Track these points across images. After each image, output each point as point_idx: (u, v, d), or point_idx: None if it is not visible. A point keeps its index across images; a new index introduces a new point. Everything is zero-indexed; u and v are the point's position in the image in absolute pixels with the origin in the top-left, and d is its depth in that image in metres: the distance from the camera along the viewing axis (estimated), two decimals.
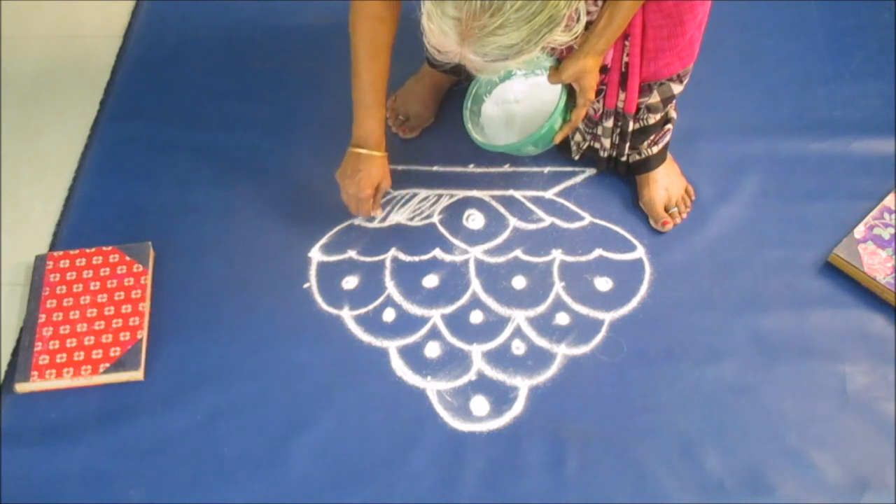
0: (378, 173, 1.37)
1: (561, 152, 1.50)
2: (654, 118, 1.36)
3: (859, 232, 1.39)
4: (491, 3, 0.93)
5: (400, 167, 1.52)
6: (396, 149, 1.54)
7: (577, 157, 1.48)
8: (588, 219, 1.46)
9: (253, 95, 1.62)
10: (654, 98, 1.32)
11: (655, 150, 1.41)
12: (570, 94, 1.25)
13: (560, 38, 1.00)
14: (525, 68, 0.98)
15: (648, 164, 1.43)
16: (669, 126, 1.41)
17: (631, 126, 1.36)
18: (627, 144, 1.40)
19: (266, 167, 1.53)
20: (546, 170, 1.51)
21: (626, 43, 1.25)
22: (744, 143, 1.53)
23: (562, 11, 0.97)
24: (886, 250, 1.37)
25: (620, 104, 1.33)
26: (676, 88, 1.33)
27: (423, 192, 1.50)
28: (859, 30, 1.69)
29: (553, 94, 1.26)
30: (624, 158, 1.44)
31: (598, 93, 1.32)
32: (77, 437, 1.25)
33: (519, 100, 1.38)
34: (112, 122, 1.59)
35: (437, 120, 1.57)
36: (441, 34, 0.98)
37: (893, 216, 1.41)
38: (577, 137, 1.45)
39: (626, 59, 1.27)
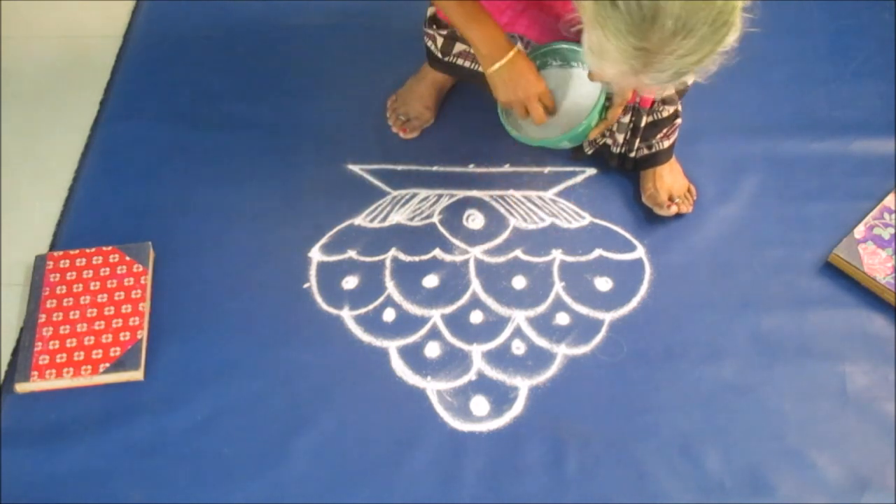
0: (529, 70, 1.26)
1: (573, 151, 1.50)
2: (668, 110, 1.36)
3: (859, 232, 1.40)
4: (684, 25, 0.87)
5: (400, 167, 1.52)
6: (396, 149, 1.54)
7: (589, 153, 1.48)
8: (588, 219, 1.46)
9: (253, 95, 1.62)
10: (670, 90, 1.32)
11: (666, 144, 1.42)
12: (609, 91, 1.25)
13: (731, 39, 0.94)
14: (700, 78, 0.96)
15: (656, 160, 1.43)
16: (678, 121, 1.41)
17: (644, 120, 1.37)
18: (638, 139, 1.40)
19: (266, 167, 1.52)
20: (546, 170, 1.51)
21: None
22: (744, 143, 1.53)
23: (737, 13, 0.92)
24: (886, 250, 1.37)
25: (637, 98, 1.33)
26: (690, 78, 1.32)
27: (423, 192, 1.50)
28: (859, 30, 1.69)
29: (588, 87, 1.26)
30: (633, 154, 1.44)
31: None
32: (77, 437, 1.25)
33: (554, 92, 1.35)
34: (112, 122, 1.59)
35: (438, 120, 1.57)
36: (618, 66, 0.93)
37: (893, 216, 1.41)
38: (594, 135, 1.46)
39: None
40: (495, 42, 1.24)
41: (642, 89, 0.96)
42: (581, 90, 1.31)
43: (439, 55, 1.45)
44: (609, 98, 1.26)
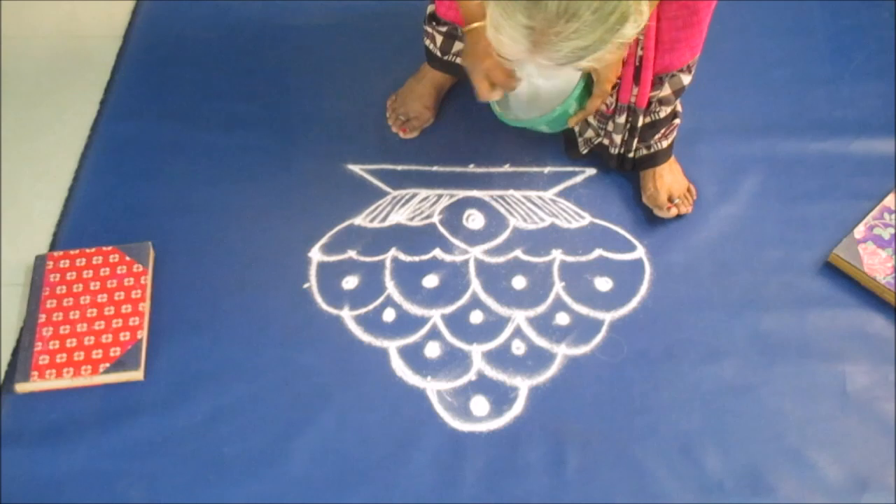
0: None
1: (569, 151, 1.51)
2: (665, 111, 1.36)
3: (859, 232, 1.39)
4: (566, 9, 0.91)
5: (400, 167, 1.52)
6: (396, 149, 1.54)
7: (584, 152, 1.48)
8: (588, 219, 1.46)
9: (253, 95, 1.62)
10: (666, 90, 1.32)
11: (665, 144, 1.42)
12: (590, 82, 1.26)
13: (629, 31, 0.97)
14: (597, 64, 0.98)
15: (655, 160, 1.43)
16: (677, 121, 1.41)
17: (641, 121, 1.37)
18: (636, 140, 1.40)
19: (266, 167, 1.52)
20: (546, 170, 1.51)
21: (641, 36, 1.24)
22: (744, 143, 1.53)
23: (632, 6, 0.94)
24: (886, 250, 1.37)
25: (633, 99, 1.33)
26: (686, 79, 1.33)
27: (423, 192, 1.50)
28: (859, 30, 1.69)
29: (576, 76, 1.26)
30: (631, 154, 1.44)
31: (612, 86, 1.32)
32: (77, 437, 1.25)
33: (546, 77, 1.35)
34: (112, 122, 1.59)
35: (438, 120, 1.57)
36: (512, 43, 0.96)
37: (893, 216, 1.41)
38: (589, 133, 1.46)
39: (640, 52, 1.27)
40: (479, 5, 1.24)
41: (547, 72, 0.99)
42: (572, 77, 1.31)
43: (438, 54, 1.45)
44: (590, 88, 1.26)
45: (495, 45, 1.00)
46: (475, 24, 1.27)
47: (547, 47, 0.95)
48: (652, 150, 1.42)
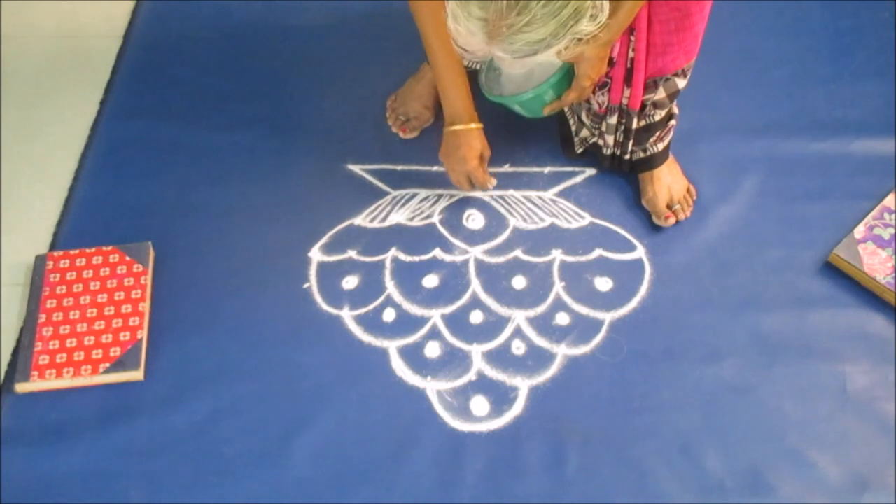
0: (478, 144, 1.38)
1: (565, 150, 1.51)
2: (659, 114, 1.36)
3: (859, 232, 1.39)
4: (517, 2, 0.93)
5: (400, 167, 1.52)
6: (396, 149, 1.54)
7: (579, 151, 1.48)
8: (588, 219, 1.46)
9: (253, 95, 1.62)
10: (661, 94, 1.32)
11: (661, 146, 1.42)
12: (571, 74, 1.26)
13: (586, 28, 0.99)
14: (555, 59, 1.00)
15: (652, 162, 1.43)
16: (673, 122, 1.41)
17: (635, 123, 1.37)
18: (631, 142, 1.40)
19: (266, 167, 1.53)
20: (546, 170, 1.51)
21: (632, 38, 1.24)
22: (744, 143, 1.53)
23: (586, 2, 0.96)
24: (886, 250, 1.37)
25: (625, 100, 1.33)
26: (681, 83, 1.33)
27: (423, 192, 1.50)
28: (859, 30, 1.69)
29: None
30: (627, 156, 1.44)
31: (603, 86, 1.32)
32: (77, 437, 1.25)
33: (510, 68, 1.36)
34: (112, 122, 1.59)
35: (438, 120, 1.57)
36: (468, 35, 0.99)
37: (893, 216, 1.41)
38: (584, 133, 1.46)
39: (631, 54, 1.27)
40: (463, 111, 1.35)
41: (507, 64, 1.02)
42: (556, 65, 1.31)
43: None
44: (570, 80, 1.27)
45: (454, 35, 1.02)
46: (456, 127, 1.35)
47: (500, 39, 0.97)
48: (648, 152, 1.42)
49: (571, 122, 1.47)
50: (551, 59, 1.02)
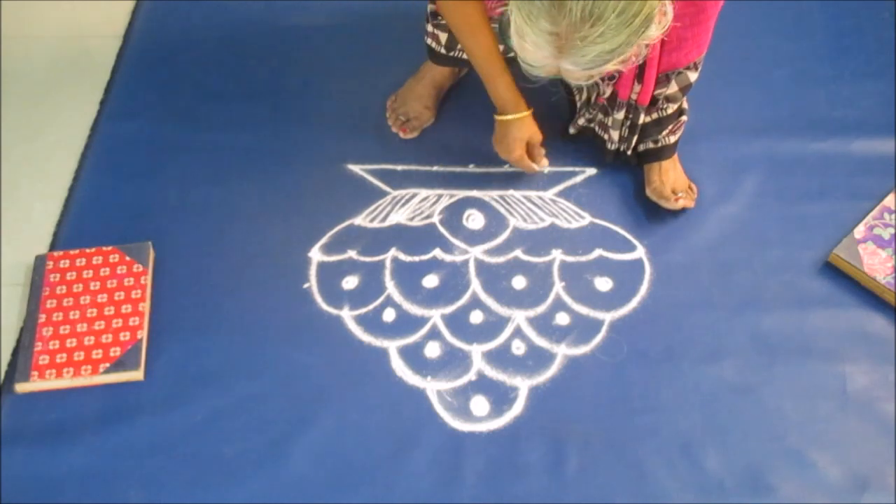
0: (524, 132, 1.39)
1: (562, 135, 1.50)
2: (672, 108, 1.36)
3: (859, 232, 1.40)
4: (591, 13, 0.90)
5: (400, 167, 1.52)
6: (396, 149, 1.54)
7: (572, 132, 1.48)
8: (588, 219, 1.46)
9: (253, 95, 1.62)
10: (673, 88, 1.32)
11: (673, 139, 1.42)
12: None
13: (654, 33, 0.97)
14: (622, 67, 0.98)
15: (661, 154, 1.43)
16: (684, 117, 1.41)
17: (642, 118, 1.37)
18: (636, 137, 1.40)
19: (266, 167, 1.53)
20: (546, 170, 1.51)
21: None
22: (744, 143, 1.53)
23: (655, 7, 0.94)
24: (886, 250, 1.37)
25: (634, 96, 1.33)
26: (693, 76, 1.33)
27: (423, 192, 1.50)
28: (859, 30, 1.69)
29: None
30: (630, 151, 1.44)
31: (610, 78, 1.32)
32: (77, 437, 1.25)
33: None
34: (112, 122, 1.59)
35: (438, 120, 1.57)
36: (536, 50, 0.96)
37: (893, 216, 1.41)
38: (582, 122, 1.46)
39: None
40: (508, 100, 1.35)
41: (574, 77, 1.02)
42: None
43: (444, 51, 1.45)
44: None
45: (519, 51, 0.99)
46: (504, 117, 1.35)
47: (572, 52, 0.94)
48: (659, 143, 1.42)
49: (578, 103, 1.47)
50: (617, 69, 1.00)
